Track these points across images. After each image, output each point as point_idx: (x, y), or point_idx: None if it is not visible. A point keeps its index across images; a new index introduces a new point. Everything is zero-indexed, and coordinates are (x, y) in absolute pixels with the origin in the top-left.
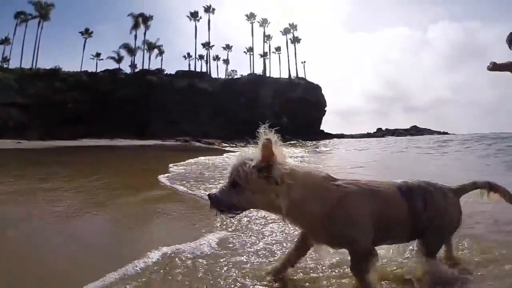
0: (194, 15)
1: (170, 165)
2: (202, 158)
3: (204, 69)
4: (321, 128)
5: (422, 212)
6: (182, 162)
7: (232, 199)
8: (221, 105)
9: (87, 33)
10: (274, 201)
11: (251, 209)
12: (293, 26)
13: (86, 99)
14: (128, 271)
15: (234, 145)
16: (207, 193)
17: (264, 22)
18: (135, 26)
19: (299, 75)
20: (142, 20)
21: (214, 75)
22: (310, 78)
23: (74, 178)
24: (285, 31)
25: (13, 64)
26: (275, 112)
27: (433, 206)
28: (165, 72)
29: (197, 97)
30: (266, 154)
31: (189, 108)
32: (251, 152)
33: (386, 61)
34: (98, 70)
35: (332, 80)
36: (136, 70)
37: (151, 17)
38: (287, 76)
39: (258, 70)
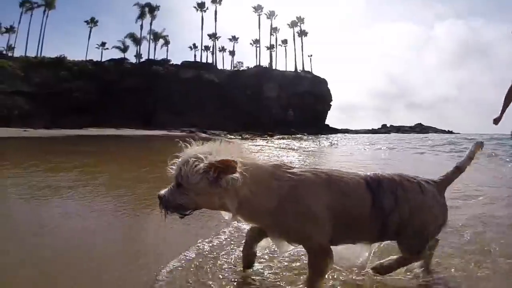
0: (201, 6)
1: None
2: None
3: (210, 60)
4: (326, 123)
5: (392, 209)
6: None
7: (177, 199)
8: (227, 96)
9: (92, 22)
10: (220, 203)
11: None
12: (301, 19)
13: (91, 89)
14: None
15: (240, 136)
16: (158, 193)
17: (271, 15)
18: (141, 16)
19: (305, 69)
20: (148, 10)
21: (220, 66)
22: (316, 72)
23: (124, 168)
24: (292, 24)
25: (18, 52)
26: (281, 105)
27: (407, 203)
28: (171, 63)
29: (203, 88)
30: (223, 162)
31: (195, 99)
32: (197, 149)
33: (389, 57)
34: (103, 60)
35: (333, 74)
36: (142, 60)
37: (157, 7)
38: (293, 69)
39: (264, 63)
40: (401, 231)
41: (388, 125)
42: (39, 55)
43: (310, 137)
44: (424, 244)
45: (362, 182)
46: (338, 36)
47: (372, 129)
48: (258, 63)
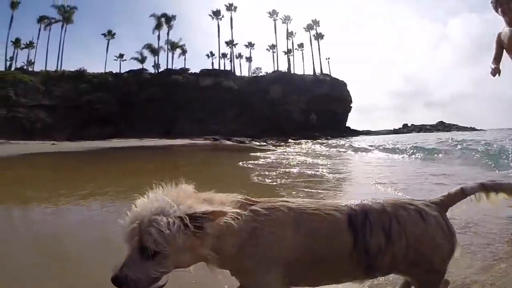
0: (216, 14)
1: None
2: (271, 156)
3: (227, 68)
4: (346, 125)
5: (380, 250)
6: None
7: (151, 273)
8: (247, 103)
9: (109, 34)
10: (195, 256)
11: None
12: (316, 22)
13: (111, 100)
14: None
15: (265, 143)
16: (112, 274)
17: (286, 19)
18: (158, 26)
19: (324, 71)
20: (165, 20)
21: (237, 73)
22: (334, 74)
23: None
24: (308, 27)
25: (38, 67)
26: (302, 110)
27: (403, 237)
28: (190, 71)
29: (223, 96)
30: (214, 214)
31: (215, 106)
32: (157, 201)
33: (404, 55)
34: (122, 71)
35: (350, 75)
36: (160, 70)
37: (173, 17)
38: (310, 73)
39: (281, 68)
40: (399, 267)
41: (409, 125)
42: (59, 69)
43: (335, 141)
44: (436, 278)
45: (342, 219)
46: (352, 37)
47: (394, 129)
48: (276, 68)
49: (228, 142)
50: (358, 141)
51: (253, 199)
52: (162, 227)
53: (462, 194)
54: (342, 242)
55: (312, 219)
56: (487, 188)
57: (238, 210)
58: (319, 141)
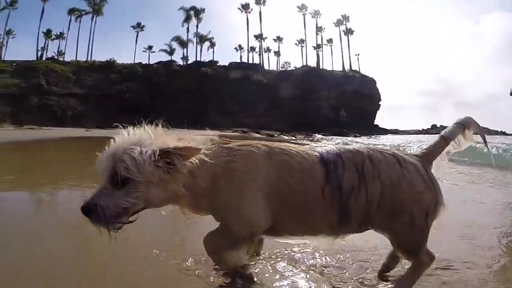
0: (245, 7)
1: None
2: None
3: (255, 61)
4: (375, 123)
5: (353, 188)
6: None
7: (120, 203)
8: (276, 97)
9: (138, 27)
10: (166, 193)
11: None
12: (346, 18)
13: (141, 90)
14: None
15: (294, 137)
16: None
17: (316, 14)
18: (187, 19)
19: (353, 68)
20: (194, 13)
21: (265, 67)
22: (364, 71)
23: None
24: (338, 23)
25: (68, 58)
26: (331, 105)
27: (377, 178)
28: (218, 64)
29: (252, 89)
30: (187, 149)
31: (244, 99)
32: (130, 138)
33: (435, 53)
34: (151, 62)
35: (378, 72)
36: (189, 62)
37: (202, 10)
38: (339, 69)
39: (310, 62)
40: (376, 217)
41: (438, 125)
42: (89, 59)
43: (366, 139)
44: (417, 235)
45: (312, 155)
46: (381, 33)
47: (423, 129)
48: (305, 63)
49: (257, 135)
50: (390, 140)
51: (229, 140)
52: (134, 154)
53: (444, 141)
54: (314, 177)
55: (283, 153)
56: (462, 124)
57: (210, 146)
58: (349, 138)
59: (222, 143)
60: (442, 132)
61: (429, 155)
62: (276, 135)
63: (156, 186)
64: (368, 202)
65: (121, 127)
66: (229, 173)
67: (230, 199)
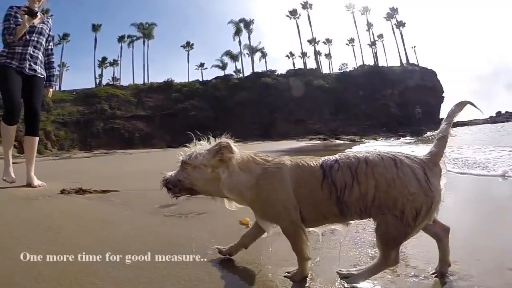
0: (293, 13)
1: None
2: None
3: (308, 67)
4: (440, 117)
5: (346, 184)
6: None
7: (177, 175)
8: (341, 100)
9: (188, 46)
10: (212, 176)
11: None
12: (394, 10)
13: (204, 106)
14: None
15: (374, 140)
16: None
17: (365, 10)
18: (237, 32)
19: (410, 61)
20: (244, 25)
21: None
22: (422, 63)
23: None
24: (388, 16)
25: (123, 82)
26: (396, 103)
27: (369, 178)
28: (277, 73)
29: (315, 94)
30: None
31: (309, 106)
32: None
33: (485, 35)
34: (205, 79)
35: (437, 63)
36: (246, 74)
37: (252, 21)
38: (394, 64)
39: (365, 61)
40: (372, 209)
41: (502, 112)
42: (146, 81)
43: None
44: (402, 230)
45: (318, 162)
46: (433, 23)
47: (490, 117)
48: (362, 62)
49: (338, 141)
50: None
51: (264, 154)
52: (196, 147)
53: (445, 140)
54: (313, 181)
55: (300, 165)
56: (449, 123)
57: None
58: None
59: (262, 156)
60: (439, 132)
61: (434, 157)
62: (357, 140)
63: (200, 168)
64: (362, 196)
65: (194, 143)
66: (266, 177)
67: (275, 194)
